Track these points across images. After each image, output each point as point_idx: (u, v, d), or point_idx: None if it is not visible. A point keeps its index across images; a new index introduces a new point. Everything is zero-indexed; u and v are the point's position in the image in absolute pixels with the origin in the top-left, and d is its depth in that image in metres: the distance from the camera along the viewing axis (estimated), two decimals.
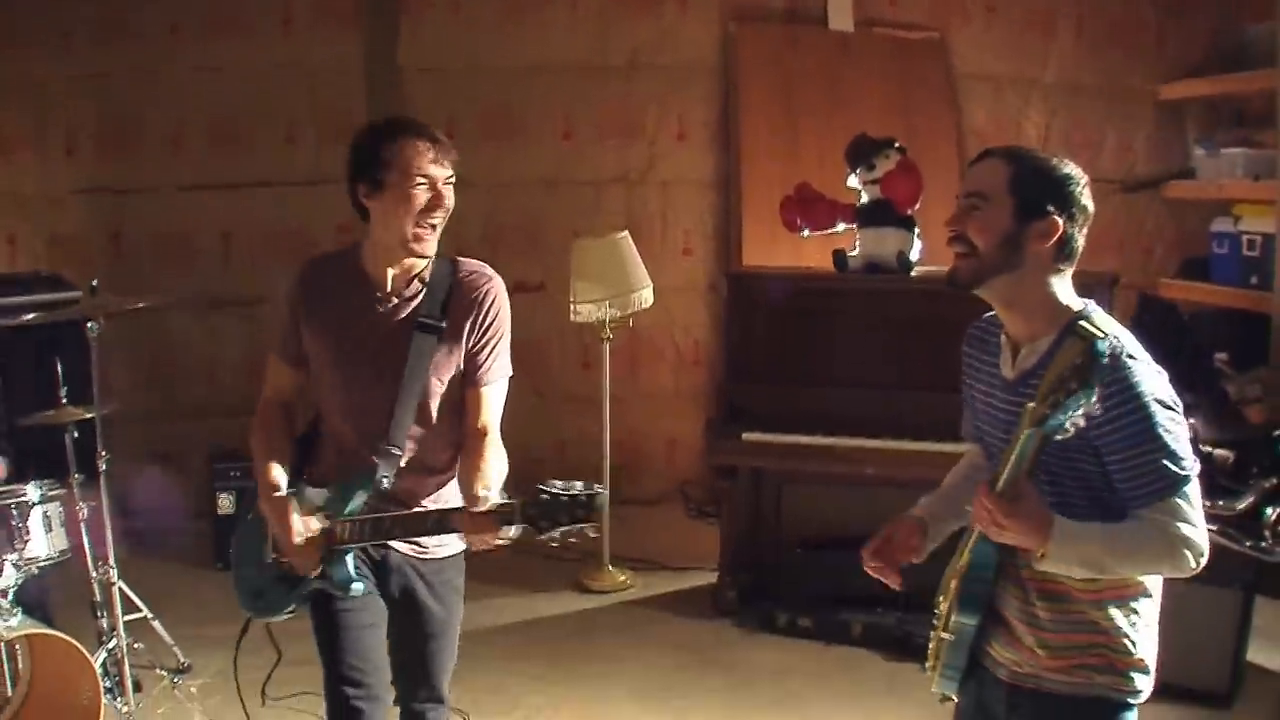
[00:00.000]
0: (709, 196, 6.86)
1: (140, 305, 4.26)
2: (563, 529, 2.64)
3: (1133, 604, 2.43)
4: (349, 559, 3.01)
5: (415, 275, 3.03)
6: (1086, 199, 2.44)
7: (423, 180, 2.90)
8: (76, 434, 4.35)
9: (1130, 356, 2.31)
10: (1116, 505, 2.36)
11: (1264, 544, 4.97)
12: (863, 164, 5.36)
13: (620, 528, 6.05)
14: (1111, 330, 2.32)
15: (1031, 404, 2.21)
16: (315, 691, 4.53)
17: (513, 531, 2.73)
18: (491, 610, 5.45)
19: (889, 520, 2.71)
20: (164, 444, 6.34)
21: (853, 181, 5.41)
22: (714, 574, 5.67)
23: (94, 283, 4.20)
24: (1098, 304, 2.46)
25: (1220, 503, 5.14)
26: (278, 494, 3.00)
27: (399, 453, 3.03)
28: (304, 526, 2.97)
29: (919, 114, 6.58)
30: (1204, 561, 2.33)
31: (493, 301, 3.06)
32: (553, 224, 6.70)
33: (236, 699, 4.60)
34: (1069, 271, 2.46)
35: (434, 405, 3.04)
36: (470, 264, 3.09)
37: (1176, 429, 2.30)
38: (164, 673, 4.52)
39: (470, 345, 3.04)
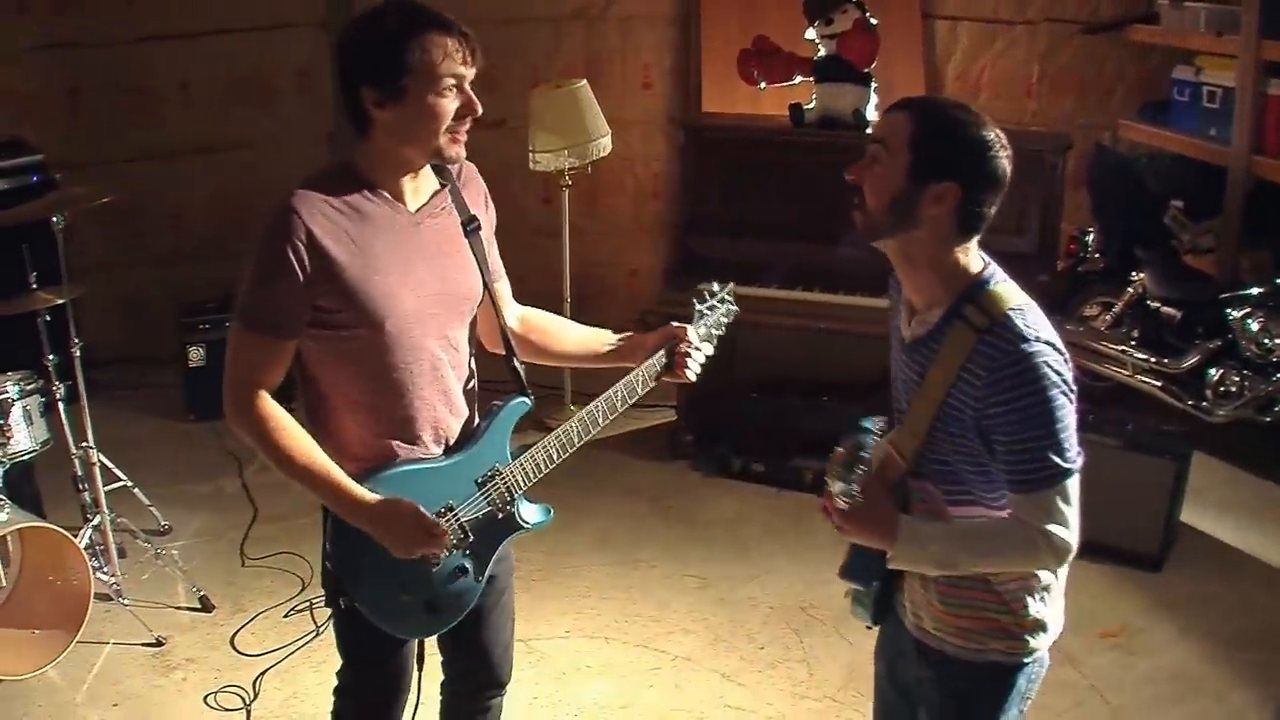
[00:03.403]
0: (669, 31, 6.78)
1: (105, 200, 4.27)
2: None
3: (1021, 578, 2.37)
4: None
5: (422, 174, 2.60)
6: (997, 167, 2.21)
7: (453, 85, 2.42)
8: (49, 317, 4.38)
9: (1031, 336, 2.18)
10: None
11: (1205, 404, 5.18)
12: (820, 18, 5.36)
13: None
14: (1009, 305, 2.22)
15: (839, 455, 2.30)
16: (293, 551, 4.83)
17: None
18: None
19: None
20: (131, 294, 6.42)
21: (810, 34, 5.41)
22: (672, 412, 5.87)
23: (57, 176, 4.19)
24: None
25: (1165, 360, 5.33)
26: (392, 502, 2.49)
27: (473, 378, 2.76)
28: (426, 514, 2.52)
29: None
30: (1068, 560, 2.28)
31: (483, 184, 2.78)
32: (512, 61, 6.65)
33: (217, 560, 4.87)
34: (972, 241, 2.29)
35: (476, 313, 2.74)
36: None
37: (1068, 419, 2.20)
38: (146, 542, 4.70)
39: (488, 236, 2.76)
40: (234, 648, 4.32)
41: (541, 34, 6.74)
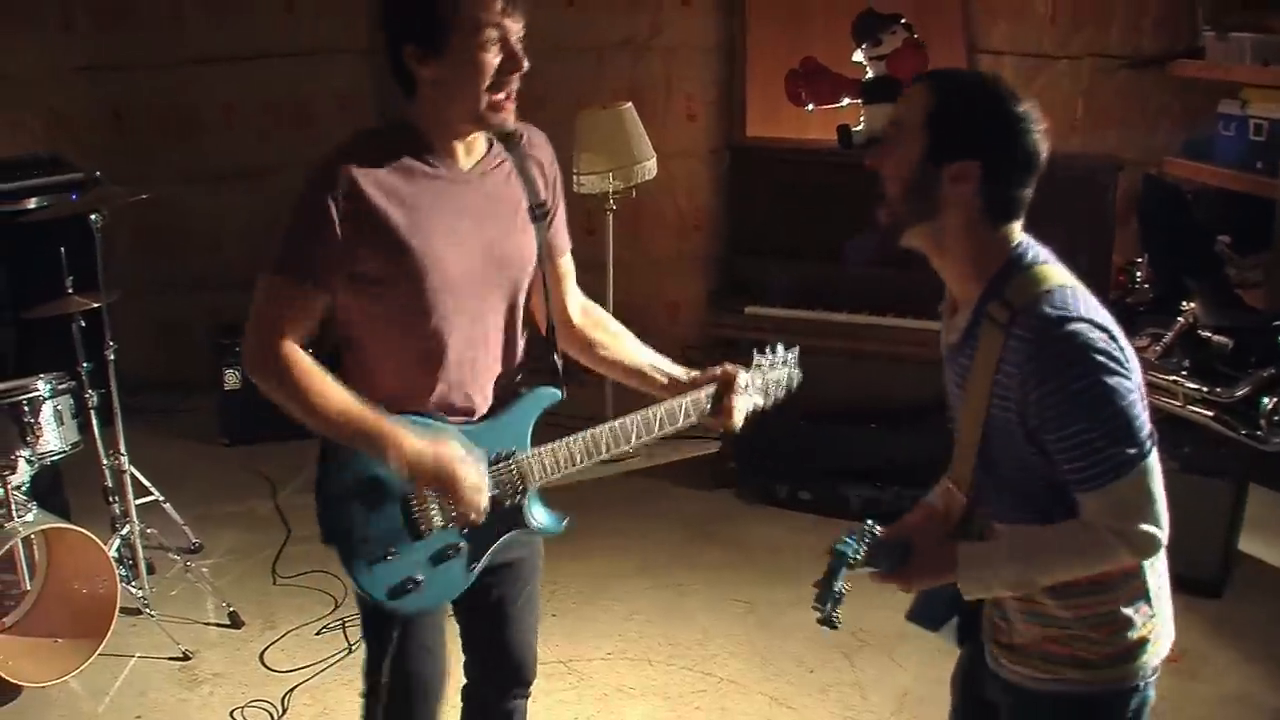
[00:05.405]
0: (713, 62, 6.74)
1: (144, 196, 4.23)
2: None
3: (1108, 592, 2.16)
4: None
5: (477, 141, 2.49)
6: (1025, 143, 2.03)
7: (496, 38, 2.29)
8: (84, 323, 4.34)
9: (1063, 315, 1.98)
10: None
11: (1259, 433, 5.00)
12: (868, 40, 5.29)
13: (623, 393, 6.07)
14: (1040, 288, 2.01)
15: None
16: (324, 569, 4.73)
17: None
18: None
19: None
20: (169, 317, 6.37)
21: (858, 57, 5.35)
22: (715, 443, 5.74)
23: (97, 173, 4.16)
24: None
25: (1218, 390, 5.16)
26: (434, 443, 2.37)
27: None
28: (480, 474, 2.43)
29: None
30: (1160, 547, 2.09)
31: (553, 152, 2.65)
32: (556, 90, 6.60)
33: (248, 578, 4.78)
34: (1011, 227, 2.09)
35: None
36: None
37: (1123, 400, 1.98)
38: (175, 556, 4.63)
39: (554, 208, 2.65)
40: (263, 664, 4.22)
41: (586, 64, 6.70)
